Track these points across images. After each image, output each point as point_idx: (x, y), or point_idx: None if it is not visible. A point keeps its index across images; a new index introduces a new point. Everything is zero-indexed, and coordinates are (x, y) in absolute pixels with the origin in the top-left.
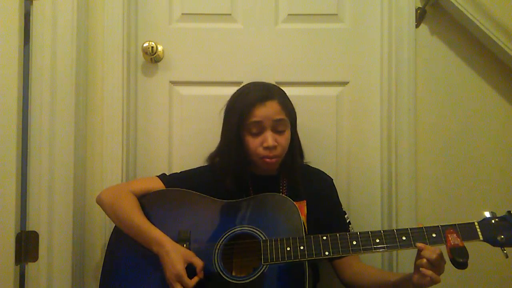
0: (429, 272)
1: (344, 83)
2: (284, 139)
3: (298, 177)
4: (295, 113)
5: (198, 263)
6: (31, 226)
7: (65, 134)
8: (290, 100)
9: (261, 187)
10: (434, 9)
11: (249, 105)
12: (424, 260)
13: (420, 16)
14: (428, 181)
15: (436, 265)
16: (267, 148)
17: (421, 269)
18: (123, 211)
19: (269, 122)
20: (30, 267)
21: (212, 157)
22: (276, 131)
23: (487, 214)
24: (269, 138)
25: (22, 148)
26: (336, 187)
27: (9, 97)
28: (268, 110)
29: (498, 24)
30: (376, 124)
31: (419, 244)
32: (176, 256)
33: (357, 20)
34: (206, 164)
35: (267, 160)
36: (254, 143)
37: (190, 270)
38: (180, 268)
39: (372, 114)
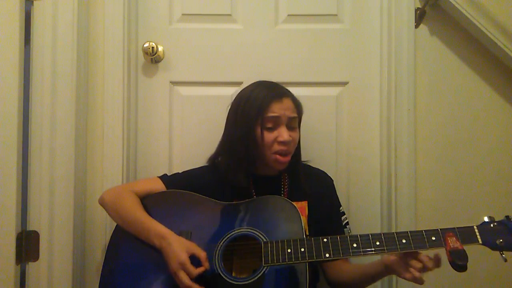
0: (417, 274)
1: (344, 83)
2: (296, 136)
3: (301, 177)
4: (302, 112)
5: (201, 254)
6: (31, 226)
7: (65, 133)
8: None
9: (262, 188)
10: (433, 9)
11: (267, 100)
12: (421, 265)
13: (420, 17)
14: (428, 181)
15: (425, 270)
16: (282, 142)
17: (411, 269)
18: (125, 208)
19: (285, 118)
20: (31, 267)
21: (215, 157)
22: (290, 127)
23: (485, 219)
24: (285, 133)
25: (22, 147)
26: (336, 187)
27: (10, 97)
28: (284, 106)
29: (497, 24)
30: (375, 124)
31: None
32: (179, 246)
33: (357, 20)
34: (207, 164)
35: (281, 158)
36: (269, 137)
37: (193, 261)
38: (184, 257)
39: (372, 114)
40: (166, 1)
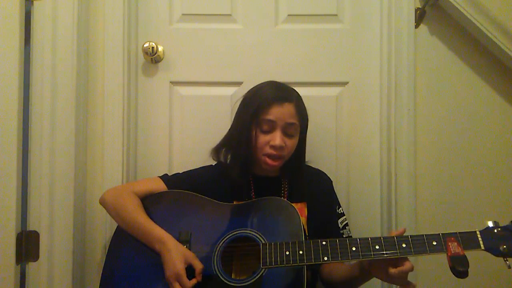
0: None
1: (344, 83)
2: (292, 143)
3: (301, 180)
4: (307, 119)
5: (198, 266)
6: (31, 226)
7: (65, 133)
8: (305, 106)
9: (262, 188)
10: (433, 9)
11: (267, 102)
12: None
13: (420, 17)
14: (428, 181)
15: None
16: (273, 147)
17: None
18: (126, 210)
19: (281, 123)
20: (31, 267)
21: (217, 148)
22: (286, 133)
23: (489, 224)
24: (278, 138)
25: (22, 147)
26: (336, 187)
27: (10, 97)
28: (283, 111)
29: (497, 24)
30: (375, 124)
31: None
32: (177, 255)
33: (357, 20)
34: (208, 165)
35: (270, 161)
36: (262, 139)
37: (189, 271)
38: (181, 267)
39: (372, 114)
40: (166, 1)
